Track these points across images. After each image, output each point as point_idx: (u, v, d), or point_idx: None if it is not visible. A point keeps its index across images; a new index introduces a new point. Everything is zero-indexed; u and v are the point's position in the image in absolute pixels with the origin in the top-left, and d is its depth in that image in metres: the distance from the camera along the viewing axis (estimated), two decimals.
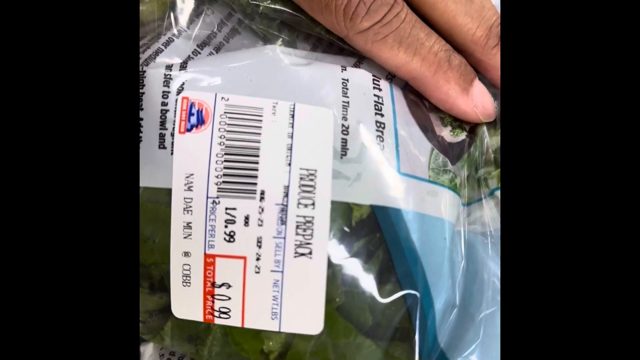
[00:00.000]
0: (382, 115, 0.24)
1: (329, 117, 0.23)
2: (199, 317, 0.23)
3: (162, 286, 0.23)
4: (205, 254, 0.22)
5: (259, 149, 0.22)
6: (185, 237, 0.22)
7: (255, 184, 0.22)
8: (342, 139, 0.23)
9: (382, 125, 0.24)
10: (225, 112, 0.22)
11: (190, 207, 0.22)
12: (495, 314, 0.24)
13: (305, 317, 0.22)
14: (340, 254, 0.22)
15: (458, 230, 0.25)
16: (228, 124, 0.22)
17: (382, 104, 0.24)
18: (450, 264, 0.24)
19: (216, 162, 0.22)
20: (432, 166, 0.25)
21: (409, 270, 0.23)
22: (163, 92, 0.23)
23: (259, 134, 0.22)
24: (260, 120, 0.22)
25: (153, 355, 0.26)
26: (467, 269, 0.25)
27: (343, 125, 0.23)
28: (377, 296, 0.22)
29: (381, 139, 0.23)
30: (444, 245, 0.24)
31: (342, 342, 0.22)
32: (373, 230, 0.23)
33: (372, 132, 0.23)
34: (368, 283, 0.22)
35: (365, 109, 0.24)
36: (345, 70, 0.24)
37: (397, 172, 0.23)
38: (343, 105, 0.23)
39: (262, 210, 0.22)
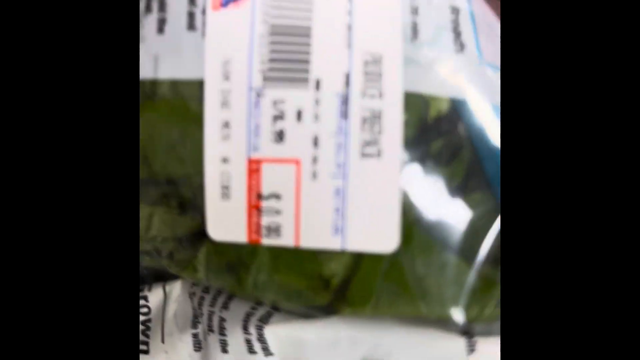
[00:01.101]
0: None
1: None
2: (241, 237, 0.19)
3: (195, 204, 0.19)
4: (248, 158, 0.18)
5: (311, 28, 0.18)
6: (222, 139, 0.18)
7: (309, 70, 0.18)
8: (413, 21, 0.19)
9: (457, 10, 0.19)
10: None
11: (229, 101, 0.18)
12: None
13: (376, 231, 0.18)
14: (415, 154, 0.18)
15: None
16: None
17: None
18: None
19: (260, 44, 0.18)
20: None
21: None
22: None
23: (310, 10, 0.18)
24: None
25: (181, 296, 0.23)
26: None
27: (412, 5, 0.19)
28: (463, 205, 0.18)
29: (456, 23, 0.19)
30: None
31: (422, 261, 0.18)
32: (455, 127, 0.19)
33: (447, 14, 0.19)
34: (451, 190, 0.18)
35: None
36: None
37: (478, 61, 0.19)
38: None
39: (318, 102, 0.18)
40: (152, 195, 0.20)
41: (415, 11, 0.19)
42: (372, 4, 0.19)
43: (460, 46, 0.19)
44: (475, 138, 0.19)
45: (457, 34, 0.19)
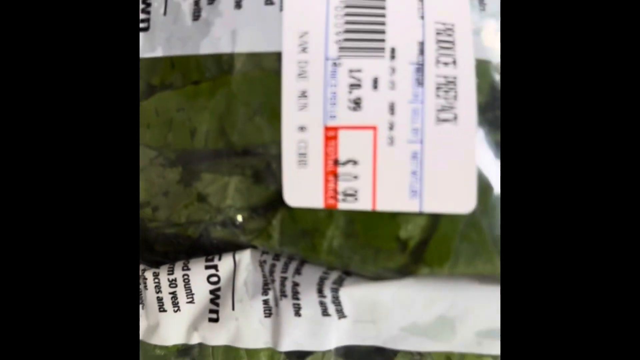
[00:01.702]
0: None
1: None
2: (318, 203, 0.20)
3: (270, 172, 0.20)
4: (325, 126, 0.19)
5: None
6: (300, 109, 0.19)
7: (384, 40, 0.19)
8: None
9: None
10: None
11: (306, 71, 0.19)
12: None
13: (453, 193, 0.19)
14: (487, 119, 0.19)
15: None
16: None
17: None
18: None
19: (335, 16, 0.19)
20: None
21: None
22: None
23: None
24: None
25: (251, 264, 0.24)
26: None
27: None
28: None
29: None
30: None
31: (498, 220, 0.19)
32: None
33: None
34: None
35: None
36: None
37: None
38: None
39: (394, 70, 0.19)
40: (228, 165, 0.22)
41: None
42: None
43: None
44: None
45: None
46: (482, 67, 0.19)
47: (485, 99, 0.19)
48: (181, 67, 0.22)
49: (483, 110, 0.19)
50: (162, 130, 0.22)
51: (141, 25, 0.22)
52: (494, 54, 0.20)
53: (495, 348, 0.21)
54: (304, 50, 0.19)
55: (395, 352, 0.23)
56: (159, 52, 0.22)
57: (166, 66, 0.22)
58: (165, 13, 0.22)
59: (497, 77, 0.20)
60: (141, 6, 0.22)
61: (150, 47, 0.22)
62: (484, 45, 0.19)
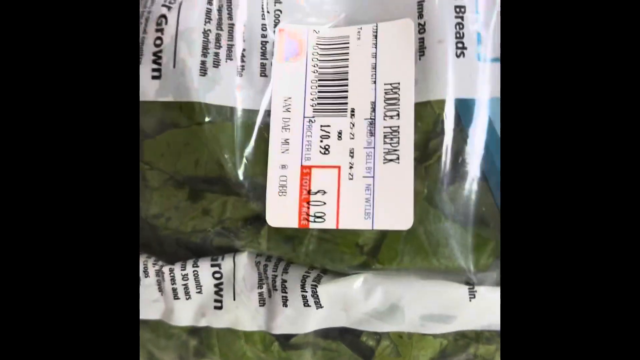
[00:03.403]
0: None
1: (410, 28, 0.25)
2: (294, 224, 0.25)
3: (257, 195, 0.26)
4: (302, 165, 0.25)
5: (347, 72, 0.25)
6: (282, 152, 0.25)
7: (346, 103, 0.25)
8: (419, 38, 0.25)
9: (463, 9, 0.25)
10: (317, 44, 0.25)
11: (288, 125, 0.25)
12: None
13: (397, 214, 0.24)
14: (425, 155, 0.24)
15: None
16: (320, 54, 0.25)
17: None
18: None
19: (311, 87, 0.25)
20: None
21: (492, 159, 0.24)
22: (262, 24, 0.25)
23: (347, 59, 0.25)
24: (347, 47, 0.25)
25: (248, 264, 0.28)
26: None
27: (419, 24, 0.25)
28: (459, 186, 0.25)
29: (461, 25, 0.24)
30: None
31: (432, 228, 0.24)
32: (456, 125, 0.24)
33: (451, 17, 0.24)
34: (449, 178, 0.25)
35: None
36: None
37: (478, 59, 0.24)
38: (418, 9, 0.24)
39: (353, 125, 0.25)
40: (225, 188, 0.26)
41: (422, 29, 0.25)
42: (391, 44, 0.25)
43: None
44: (470, 133, 0.25)
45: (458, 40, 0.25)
46: (423, 110, 0.24)
47: (423, 137, 0.24)
48: (187, 111, 0.26)
49: (421, 147, 0.24)
50: (172, 159, 0.26)
51: (153, 74, 0.26)
52: (436, 93, 0.24)
53: (435, 329, 0.26)
54: (287, 110, 0.25)
55: (360, 332, 0.27)
56: (170, 98, 0.26)
57: (175, 109, 0.26)
58: (174, 66, 0.26)
59: (438, 111, 0.24)
60: (152, 58, 0.26)
61: (163, 93, 0.26)
62: (424, 89, 0.24)
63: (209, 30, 0.26)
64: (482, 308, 0.25)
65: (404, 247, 0.25)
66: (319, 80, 0.25)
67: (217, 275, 0.28)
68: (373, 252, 0.25)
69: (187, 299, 0.28)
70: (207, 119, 0.25)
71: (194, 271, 0.27)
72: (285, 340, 0.28)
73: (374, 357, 0.27)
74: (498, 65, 0.24)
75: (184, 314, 0.28)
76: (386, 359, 0.27)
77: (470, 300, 0.25)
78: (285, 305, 0.26)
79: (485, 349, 0.27)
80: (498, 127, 0.24)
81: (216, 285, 0.28)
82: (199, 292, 0.28)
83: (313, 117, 0.25)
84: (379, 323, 0.26)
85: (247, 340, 0.28)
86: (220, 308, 0.28)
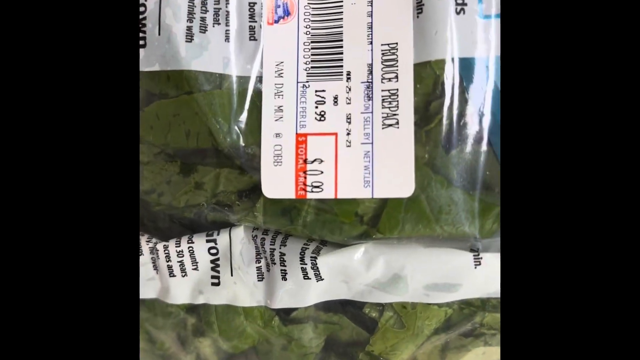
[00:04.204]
0: None
1: None
2: (290, 194, 0.24)
3: (252, 167, 0.25)
4: (297, 133, 0.24)
5: (342, 33, 0.24)
6: (276, 120, 0.24)
7: (342, 66, 0.24)
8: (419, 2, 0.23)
9: None
10: (308, 3, 0.24)
11: (281, 92, 0.24)
12: None
13: (397, 181, 0.24)
14: (425, 118, 0.24)
15: None
16: (312, 14, 0.24)
17: None
18: None
19: (304, 49, 0.24)
20: None
21: (495, 121, 0.24)
22: None
23: (341, 19, 0.24)
24: (341, 6, 0.24)
25: (245, 238, 0.28)
26: None
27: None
28: (461, 150, 0.24)
29: None
30: None
31: (435, 195, 0.24)
32: (457, 86, 0.24)
33: None
34: (451, 142, 0.24)
35: None
36: None
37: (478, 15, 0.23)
38: None
39: (350, 89, 0.24)
40: (218, 160, 0.26)
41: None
42: (385, 2, 0.24)
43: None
44: (473, 93, 0.24)
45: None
46: (422, 71, 0.23)
47: (423, 99, 0.23)
48: (175, 80, 0.25)
49: (421, 110, 0.23)
50: (162, 131, 0.26)
51: (140, 42, 0.25)
52: (436, 53, 0.23)
53: (439, 298, 0.26)
54: (279, 75, 0.24)
55: (363, 304, 0.27)
56: (156, 67, 0.25)
57: (163, 79, 0.25)
58: (159, 33, 0.25)
59: (438, 71, 0.23)
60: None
61: (149, 62, 0.25)
62: (423, 48, 0.23)
63: None
64: (487, 275, 0.25)
65: (405, 215, 0.24)
66: (312, 42, 0.24)
67: (213, 251, 0.28)
68: (373, 221, 0.25)
69: (183, 276, 0.28)
70: (196, 88, 0.25)
71: (189, 247, 0.27)
72: (286, 314, 0.28)
73: (378, 329, 0.27)
74: (499, 22, 0.23)
75: (181, 292, 0.28)
76: (390, 330, 0.27)
77: (475, 268, 0.25)
78: (284, 278, 0.26)
79: (492, 317, 0.26)
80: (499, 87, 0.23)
81: (212, 261, 0.28)
82: (195, 269, 0.27)
83: (307, 82, 0.24)
84: (381, 294, 0.26)
85: (246, 316, 0.28)
86: (217, 284, 0.28)
